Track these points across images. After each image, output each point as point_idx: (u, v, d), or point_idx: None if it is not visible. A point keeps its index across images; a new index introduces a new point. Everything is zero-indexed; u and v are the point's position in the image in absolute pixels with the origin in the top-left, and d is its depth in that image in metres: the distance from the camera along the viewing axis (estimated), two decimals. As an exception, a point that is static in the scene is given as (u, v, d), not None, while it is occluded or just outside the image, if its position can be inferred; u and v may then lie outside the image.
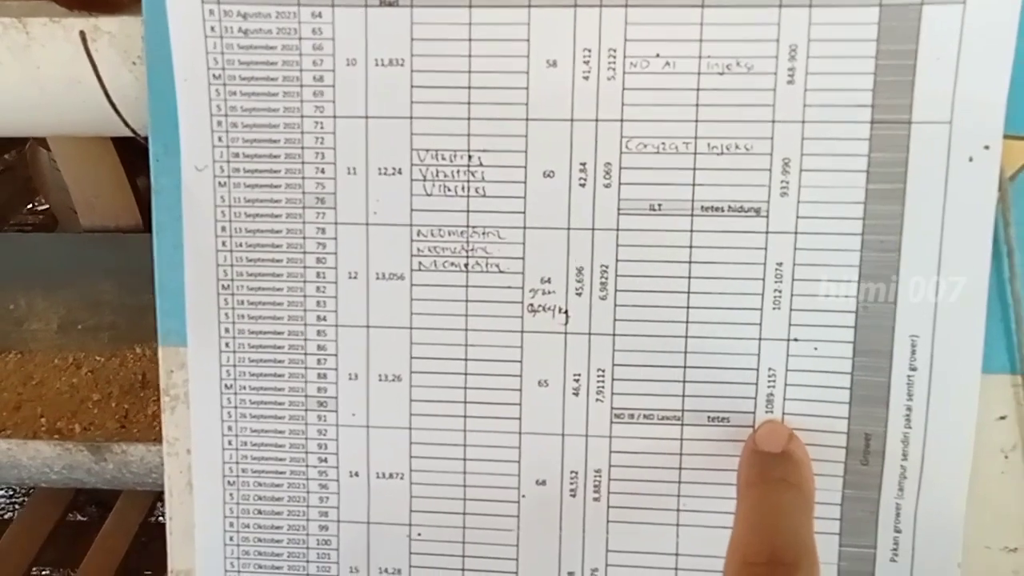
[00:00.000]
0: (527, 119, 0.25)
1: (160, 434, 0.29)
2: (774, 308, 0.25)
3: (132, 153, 0.49)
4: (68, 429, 0.39)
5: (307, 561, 0.28)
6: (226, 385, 0.28)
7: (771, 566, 0.21)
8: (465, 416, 0.27)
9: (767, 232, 0.25)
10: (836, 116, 0.24)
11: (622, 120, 0.25)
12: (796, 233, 0.25)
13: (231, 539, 0.29)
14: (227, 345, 0.28)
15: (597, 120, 0.25)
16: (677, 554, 0.27)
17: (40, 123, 0.32)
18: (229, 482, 0.28)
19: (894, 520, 0.26)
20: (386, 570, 0.28)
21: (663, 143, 0.25)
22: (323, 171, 0.26)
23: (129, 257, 0.47)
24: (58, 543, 0.47)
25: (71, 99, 0.30)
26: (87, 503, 0.59)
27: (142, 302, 0.45)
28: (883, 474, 0.26)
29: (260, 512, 0.28)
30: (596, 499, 0.27)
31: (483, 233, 0.26)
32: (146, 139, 0.28)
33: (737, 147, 0.25)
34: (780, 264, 0.25)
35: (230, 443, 0.28)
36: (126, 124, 0.29)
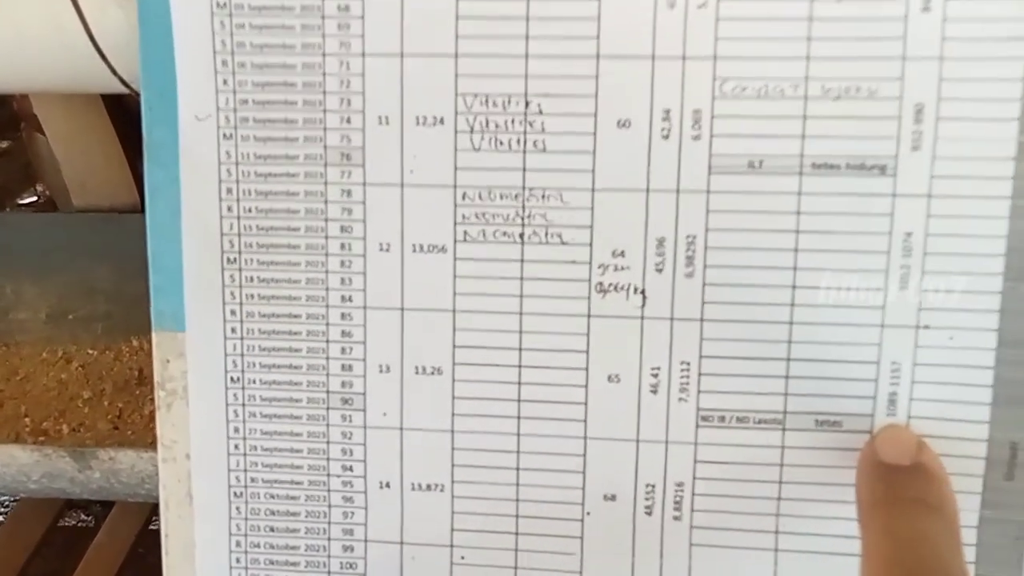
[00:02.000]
0: (597, 56, 0.21)
1: (157, 437, 0.25)
2: (901, 288, 0.21)
3: (129, 127, 0.45)
4: (55, 430, 0.35)
5: (328, 588, 0.24)
6: (232, 378, 0.23)
7: None
8: (519, 417, 0.22)
9: (894, 195, 0.21)
10: (981, 52, 0.20)
11: (715, 57, 0.21)
12: (930, 196, 0.20)
13: (238, 561, 0.24)
14: (233, 330, 0.23)
15: (684, 57, 0.21)
16: (774, 585, 0.22)
17: (18, 76, 0.28)
18: (236, 493, 0.24)
19: (1041, 546, 0.21)
20: (421, 599, 0.24)
21: (766, 86, 0.21)
22: (349, 121, 0.22)
23: (126, 240, 0.43)
24: (47, 553, 0.43)
25: (52, 46, 0.26)
26: (82, 506, 0.55)
27: (140, 290, 0.41)
28: (1030, 490, 0.21)
29: (273, 529, 0.24)
30: (677, 518, 0.22)
31: (543, 196, 0.22)
32: (139, 93, 0.24)
33: (858, 90, 0.20)
34: (909, 234, 0.21)
35: (237, 447, 0.24)
36: (114, 72, 0.25)
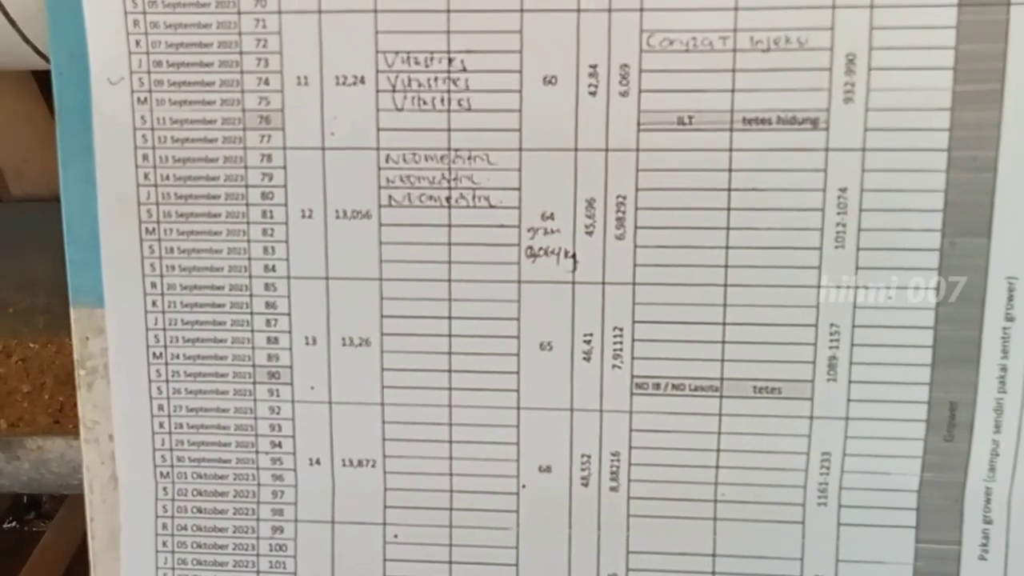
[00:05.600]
0: (522, 10, 0.20)
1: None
2: (837, 246, 0.20)
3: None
4: (-8, 426, 0.34)
5: (258, 571, 0.23)
6: (155, 354, 0.23)
7: None
8: (450, 388, 0.22)
9: (827, 149, 0.20)
10: None
11: (642, 9, 0.20)
12: (864, 150, 0.20)
13: (164, 544, 0.23)
14: (154, 304, 0.22)
15: (610, 10, 0.20)
16: (714, 555, 0.22)
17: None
18: (162, 474, 0.23)
19: (983, 509, 0.21)
20: (355, 579, 0.23)
21: (694, 38, 0.20)
22: (267, 82, 0.21)
23: (66, 230, 0.41)
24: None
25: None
26: (27, 510, 0.53)
27: (83, 281, 0.40)
28: (971, 452, 0.20)
29: (200, 511, 0.23)
30: (614, 489, 0.22)
31: (469, 158, 0.21)
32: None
33: (788, 41, 0.20)
34: (844, 190, 0.20)
35: (162, 425, 0.23)
36: (21, 34, 0.24)
